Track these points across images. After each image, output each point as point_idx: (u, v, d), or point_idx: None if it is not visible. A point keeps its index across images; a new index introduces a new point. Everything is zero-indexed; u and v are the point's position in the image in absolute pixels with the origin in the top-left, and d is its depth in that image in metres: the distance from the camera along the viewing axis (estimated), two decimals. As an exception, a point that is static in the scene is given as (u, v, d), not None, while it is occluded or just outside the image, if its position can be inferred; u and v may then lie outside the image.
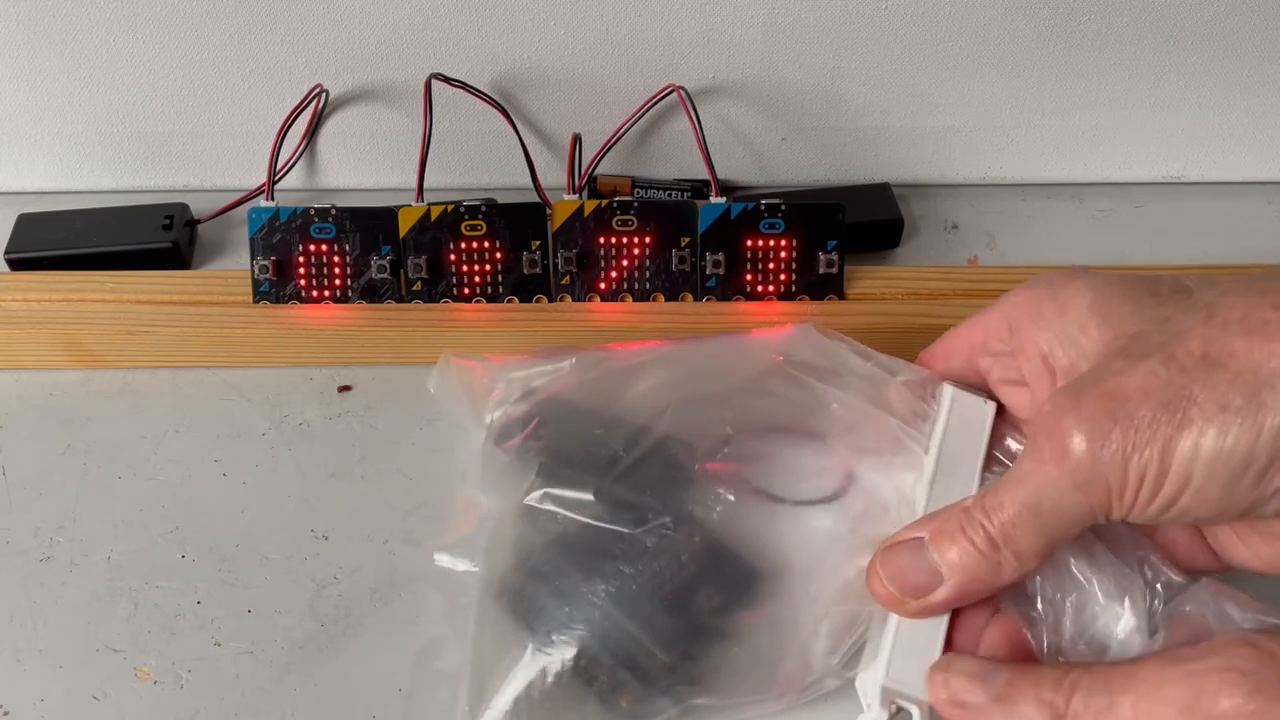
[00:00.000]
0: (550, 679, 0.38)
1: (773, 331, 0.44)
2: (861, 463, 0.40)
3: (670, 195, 0.57)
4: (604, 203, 0.50)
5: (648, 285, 0.51)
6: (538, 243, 0.51)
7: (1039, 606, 0.36)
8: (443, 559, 0.42)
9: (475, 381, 0.45)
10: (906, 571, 0.36)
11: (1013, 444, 0.39)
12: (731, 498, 0.40)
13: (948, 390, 0.40)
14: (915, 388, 0.41)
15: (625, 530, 0.39)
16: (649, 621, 0.38)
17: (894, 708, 0.35)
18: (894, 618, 0.36)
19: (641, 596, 0.38)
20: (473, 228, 0.51)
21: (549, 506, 0.40)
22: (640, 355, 0.44)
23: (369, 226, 0.51)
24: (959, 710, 0.34)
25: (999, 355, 0.40)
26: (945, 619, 0.36)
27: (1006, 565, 0.34)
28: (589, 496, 0.40)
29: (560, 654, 0.38)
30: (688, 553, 0.39)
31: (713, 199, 0.51)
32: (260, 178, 0.53)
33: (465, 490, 0.43)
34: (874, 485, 0.39)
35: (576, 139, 0.54)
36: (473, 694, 0.38)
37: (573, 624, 0.38)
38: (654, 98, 0.53)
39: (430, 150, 0.52)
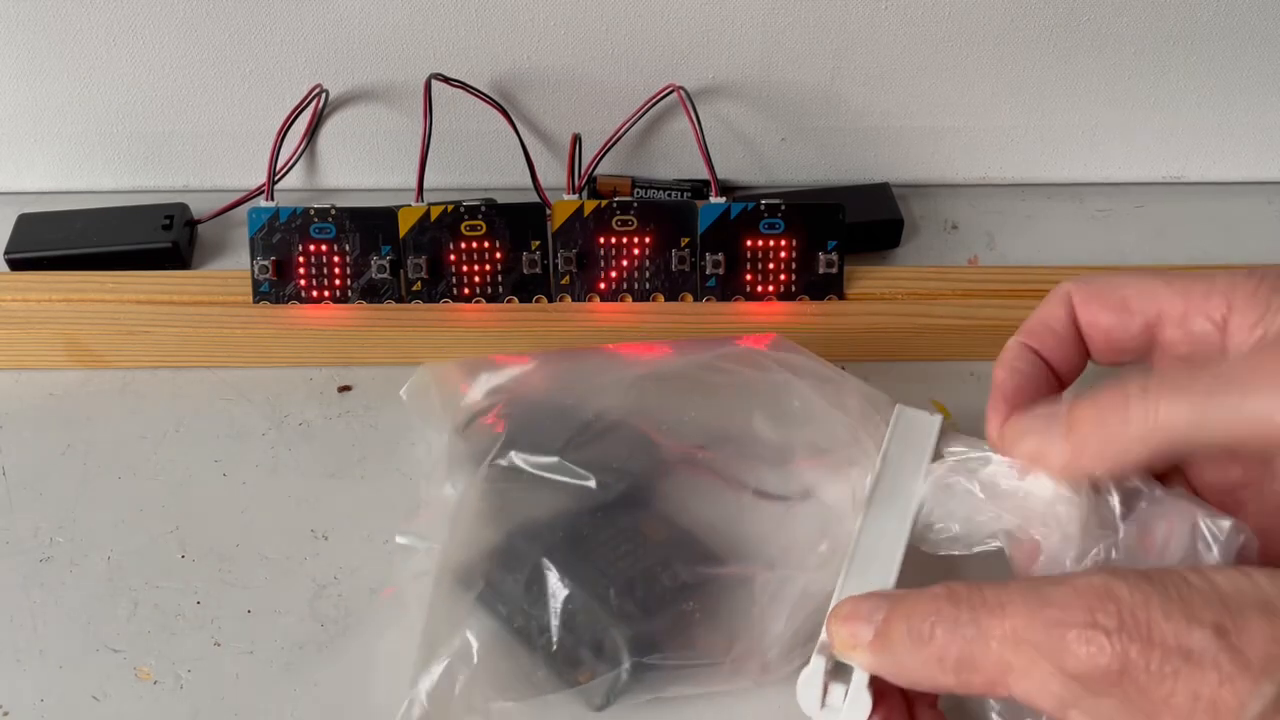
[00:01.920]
0: (495, 641, 0.38)
1: (745, 339, 0.45)
2: (818, 460, 0.40)
3: (670, 195, 0.57)
4: (604, 203, 0.50)
5: (647, 285, 0.51)
6: (537, 243, 0.51)
7: None
8: (404, 540, 0.42)
9: (448, 383, 0.45)
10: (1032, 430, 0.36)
11: (957, 447, 0.39)
12: (689, 476, 0.40)
13: (897, 407, 0.41)
14: (871, 401, 0.41)
15: (588, 485, 0.40)
16: (599, 582, 0.38)
17: (832, 661, 0.35)
18: (840, 578, 0.37)
19: (593, 558, 0.39)
20: (472, 228, 0.51)
21: (514, 463, 0.40)
22: (606, 352, 0.45)
23: (369, 226, 0.51)
24: (857, 654, 0.34)
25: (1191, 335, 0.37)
26: (892, 578, 0.36)
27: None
28: (553, 458, 0.40)
29: (506, 616, 0.38)
30: (644, 519, 0.40)
31: (712, 199, 0.51)
32: (260, 178, 0.53)
33: (431, 487, 0.43)
34: (828, 483, 0.40)
35: (576, 139, 0.54)
36: (419, 661, 0.38)
37: (519, 586, 0.38)
38: (654, 98, 0.53)
39: (430, 150, 0.52)
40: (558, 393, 0.43)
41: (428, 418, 0.45)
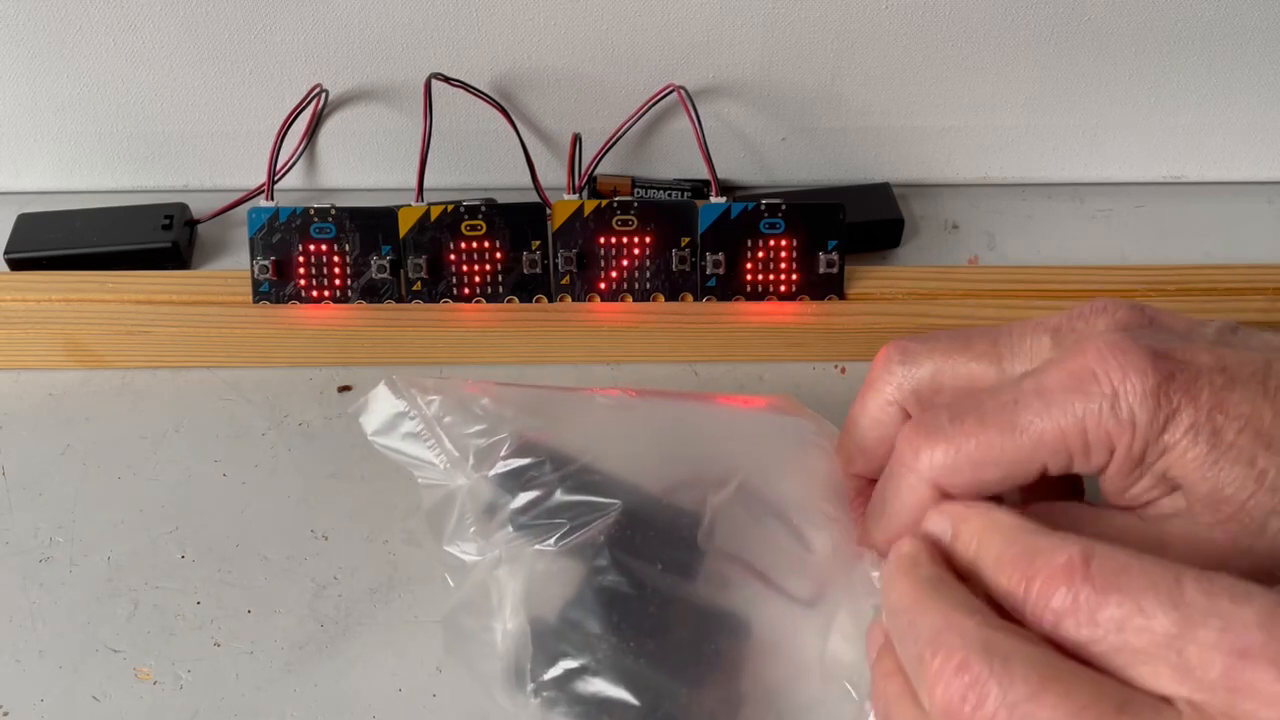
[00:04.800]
0: None
1: (758, 404, 0.42)
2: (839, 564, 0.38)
3: (670, 195, 0.57)
4: (604, 202, 0.50)
5: (648, 285, 0.51)
6: (538, 243, 0.51)
7: None
8: (454, 621, 0.37)
9: (446, 409, 0.39)
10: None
11: None
12: (738, 578, 0.37)
13: None
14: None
15: (694, 587, 0.36)
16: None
17: None
18: None
19: (682, 660, 0.36)
20: (473, 227, 0.51)
21: (631, 548, 0.36)
22: (625, 405, 0.41)
23: (369, 226, 0.51)
24: None
25: None
26: None
27: None
28: (687, 560, 0.37)
29: None
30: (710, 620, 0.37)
31: (713, 199, 0.51)
32: (260, 178, 0.53)
33: (452, 542, 0.39)
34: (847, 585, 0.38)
35: (576, 139, 0.54)
36: None
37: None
38: (654, 97, 0.53)
39: (430, 150, 0.52)
40: (658, 476, 0.38)
41: (414, 449, 0.40)
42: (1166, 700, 0.26)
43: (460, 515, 0.39)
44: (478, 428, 0.39)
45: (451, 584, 0.39)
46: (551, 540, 0.37)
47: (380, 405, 0.40)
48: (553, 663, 0.35)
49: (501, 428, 0.39)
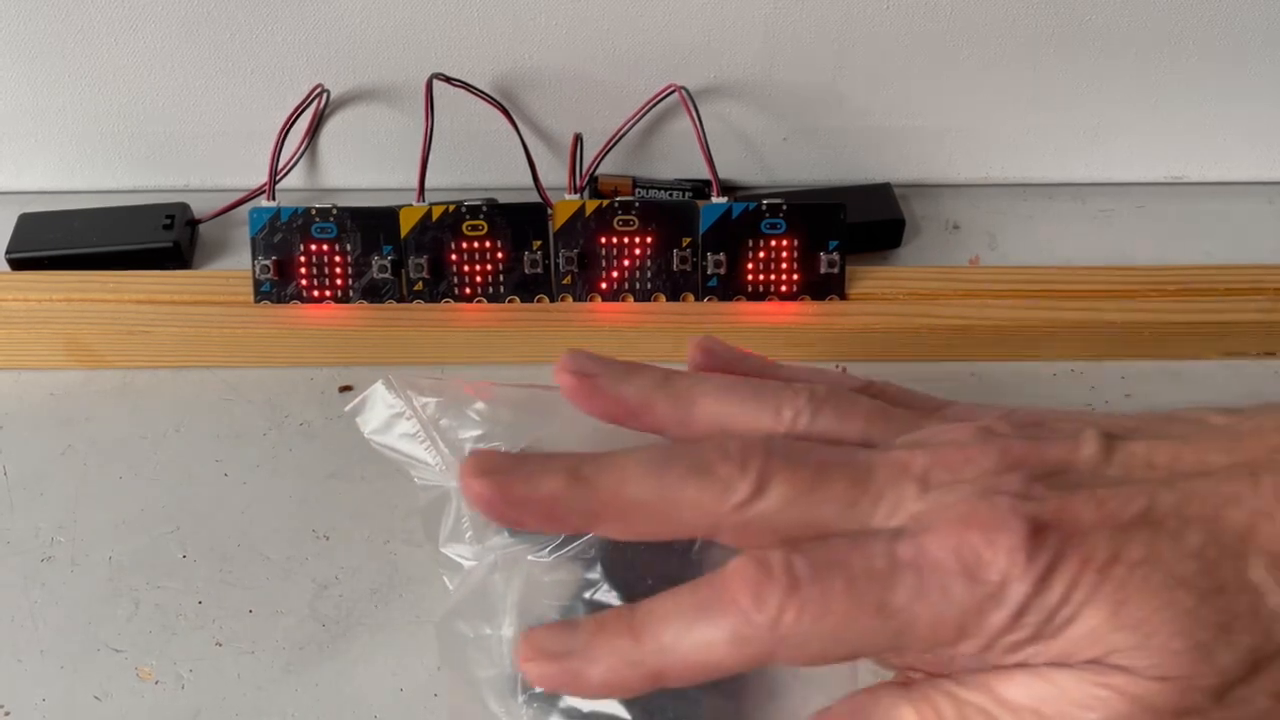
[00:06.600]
0: None
1: None
2: None
3: (671, 195, 0.57)
4: (605, 203, 0.50)
5: (649, 285, 0.51)
6: (539, 243, 0.51)
7: None
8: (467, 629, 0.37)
9: (442, 412, 0.39)
10: None
11: None
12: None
13: None
14: None
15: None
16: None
17: None
18: None
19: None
20: (474, 227, 0.51)
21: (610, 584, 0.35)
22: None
23: (370, 226, 0.51)
24: None
25: None
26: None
27: None
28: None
29: None
30: None
31: (714, 199, 0.51)
32: (261, 177, 0.53)
33: (448, 547, 0.38)
34: None
35: (578, 139, 0.54)
36: None
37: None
38: (655, 97, 0.53)
39: (431, 150, 0.52)
40: None
41: (410, 449, 0.39)
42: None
43: (456, 518, 0.38)
44: (474, 432, 0.39)
45: (450, 586, 0.39)
46: (545, 551, 0.36)
47: (376, 404, 0.40)
48: None
49: (497, 433, 0.39)
